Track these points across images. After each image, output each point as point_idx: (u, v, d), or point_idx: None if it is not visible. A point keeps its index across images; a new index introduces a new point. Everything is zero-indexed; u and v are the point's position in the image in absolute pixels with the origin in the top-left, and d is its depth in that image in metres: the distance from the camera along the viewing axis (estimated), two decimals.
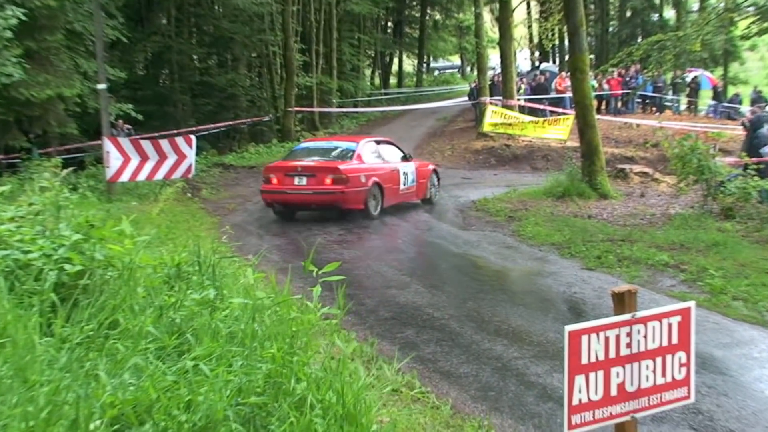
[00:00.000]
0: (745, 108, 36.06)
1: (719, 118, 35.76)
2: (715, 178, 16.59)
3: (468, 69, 75.04)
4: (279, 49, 37.79)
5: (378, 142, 18.81)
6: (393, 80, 61.95)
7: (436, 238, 15.00)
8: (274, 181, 16.93)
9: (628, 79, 35.85)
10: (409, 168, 18.88)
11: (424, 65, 67.86)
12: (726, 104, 37.53)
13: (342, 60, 45.14)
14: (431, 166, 20.22)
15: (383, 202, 17.57)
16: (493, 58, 49.64)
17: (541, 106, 33.61)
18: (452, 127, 37.34)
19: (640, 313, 4.18)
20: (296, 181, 16.68)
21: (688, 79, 37.89)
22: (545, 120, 31.03)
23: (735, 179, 16.56)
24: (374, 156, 17.98)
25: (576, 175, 20.08)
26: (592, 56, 43.48)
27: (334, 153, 17.60)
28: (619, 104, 36.87)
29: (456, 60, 77.36)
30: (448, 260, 13.04)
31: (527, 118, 31.27)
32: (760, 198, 16.46)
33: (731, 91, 41.35)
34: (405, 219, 17.54)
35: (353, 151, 17.45)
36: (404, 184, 18.53)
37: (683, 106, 38.20)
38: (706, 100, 39.30)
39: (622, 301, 4.20)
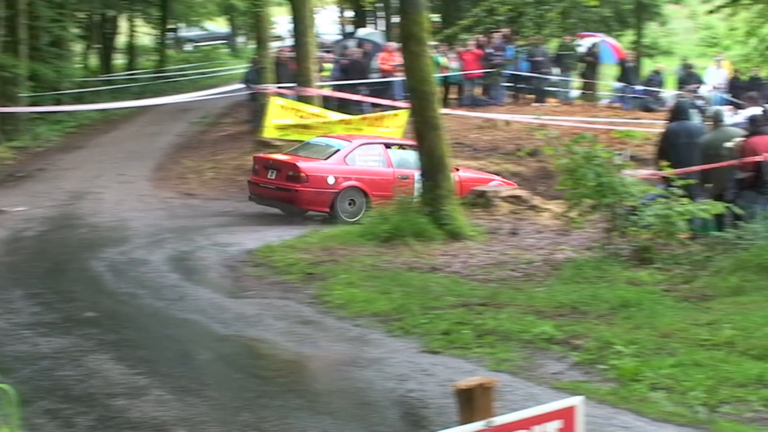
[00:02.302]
0: (670, 92, 37.72)
1: (630, 109, 37.08)
2: (624, 203, 17.09)
3: (242, 39, 75.29)
4: None
5: (391, 146, 24.83)
6: (120, 60, 61.42)
7: (190, 313, 14.91)
8: (258, 172, 24.44)
9: (490, 51, 36.69)
10: None
11: (171, 35, 67.61)
12: (640, 87, 38.88)
13: (36, 28, 44.37)
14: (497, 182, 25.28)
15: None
16: (281, 21, 50.02)
17: (357, 97, 33.95)
18: (216, 133, 37.15)
19: (499, 420, 4.22)
20: (269, 174, 23.98)
21: (583, 50, 39.11)
22: (364, 118, 31.26)
23: (654, 203, 16.95)
24: (374, 160, 24.24)
25: (411, 205, 20.39)
26: (435, 17, 44.38)
27: (325, 150, 24.43)
28: (478, 91, 37.75)
29: (222, 26, 77.54)
30: (210, 347, 13.05)
31: (335, 115, 31.43)
32: (691, 228, 17.01)
33: (648, 66, 42.96)
34: (142, 284, 17.21)
35: (338, 150, 24.12)
36: None
37: (575, 92, 39.40)
38: (609, 81, 40.63)
39: (471, 402, 4.22)
